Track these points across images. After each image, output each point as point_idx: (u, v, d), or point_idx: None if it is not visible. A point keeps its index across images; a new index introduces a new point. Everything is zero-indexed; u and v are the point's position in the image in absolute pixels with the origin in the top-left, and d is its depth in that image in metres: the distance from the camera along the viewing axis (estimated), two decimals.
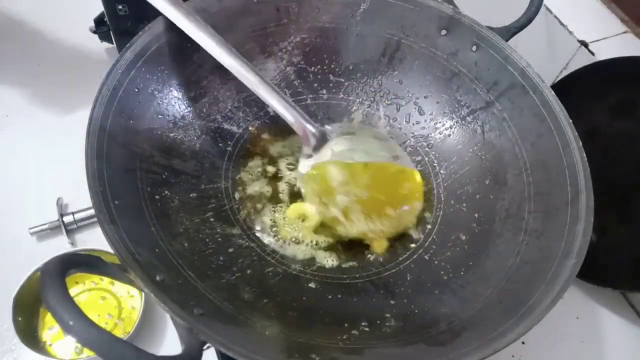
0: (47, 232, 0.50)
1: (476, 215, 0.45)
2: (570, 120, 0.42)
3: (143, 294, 0.45)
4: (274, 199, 0.46)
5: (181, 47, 0.46)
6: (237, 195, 0.45)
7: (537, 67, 0.45)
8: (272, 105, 0.44)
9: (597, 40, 0.56)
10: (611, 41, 0.57)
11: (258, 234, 0.44)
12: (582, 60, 0.56)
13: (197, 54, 0.47)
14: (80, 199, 0.52)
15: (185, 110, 0.47)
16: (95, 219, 0.42)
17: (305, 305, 0.40)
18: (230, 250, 0.42)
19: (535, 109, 0.44)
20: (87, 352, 0.43)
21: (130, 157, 0.40)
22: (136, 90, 0.42)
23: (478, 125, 0.48)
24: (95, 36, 0.61)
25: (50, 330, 0.44)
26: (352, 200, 0.44)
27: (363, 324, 0.38)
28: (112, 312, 0.46)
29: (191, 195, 0.43)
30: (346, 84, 0.52)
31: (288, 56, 0.51)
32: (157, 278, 0.33)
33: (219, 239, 0.42)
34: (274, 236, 0.44)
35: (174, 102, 0.46)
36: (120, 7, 0.53)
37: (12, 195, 0.53)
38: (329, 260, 0.43)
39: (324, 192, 0.44)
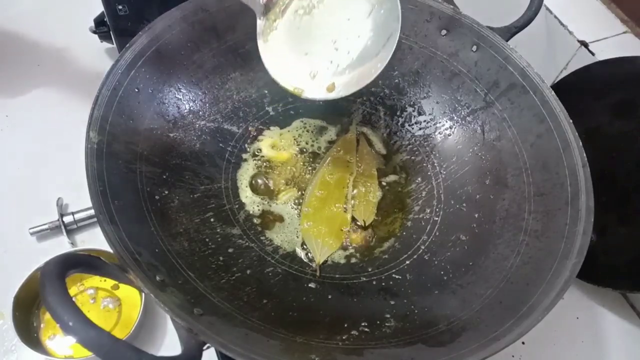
0: (47, 232, 0.50)
1: (476, 215, 0.45)
2: (570, 120, 0.42)
3: (143, 294, 0.45)
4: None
5: (181, 47, 0.46)
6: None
7: (537, 67, 0.45)
8: None
9: (597, 40, 0.56)
10: (611, 41, 0.57)
11: None
12: (582, 60, 0.56)
13: (197, 54, 0.47)
14: (80, 199, 0.52)
15: (185, 110, 0.47)
16: (95, 219, 0.42)
17: (305, 305, 0.40)
18: (230, 250, 0.42)
19: (535, 109, 0.44)
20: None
21: (130, 157, 0.40)
22: (136, 90, 0.42)
23: (478, 125, 0.48)
24: (95, 36, 0.61)
25: (50, 329, 0.44)
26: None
27: (363, 324, 0.38)
28: (112, 312, 0.46)
29: (191, 195, 0.43)
30: None
31: None
32: (157, 278, 0.34)
33: (219, 239, 0.42)
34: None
35: (174, 102, 0.46)
36: (120, 7, 0.53)
37: (12, 195, 0.53)
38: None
39: None
